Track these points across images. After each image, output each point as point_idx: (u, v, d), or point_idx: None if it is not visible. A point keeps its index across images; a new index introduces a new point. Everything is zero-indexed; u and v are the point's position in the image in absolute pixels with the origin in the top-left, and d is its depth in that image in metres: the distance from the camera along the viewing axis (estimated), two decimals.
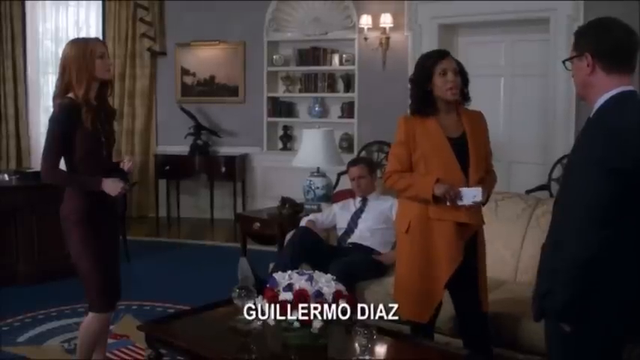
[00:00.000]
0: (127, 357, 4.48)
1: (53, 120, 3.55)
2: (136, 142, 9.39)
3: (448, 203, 3.39)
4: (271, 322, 3.08)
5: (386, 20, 8.05)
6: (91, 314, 3.69)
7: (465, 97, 3.58)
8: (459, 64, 3.56)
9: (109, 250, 3.67)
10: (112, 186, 3.52)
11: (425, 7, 7.85)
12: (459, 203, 3.39)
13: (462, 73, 3.55)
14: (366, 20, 8.16)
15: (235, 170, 8.98)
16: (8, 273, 5.96)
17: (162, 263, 7.09)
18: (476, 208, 3.50)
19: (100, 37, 9.10)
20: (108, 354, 4.42)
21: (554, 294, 2.19)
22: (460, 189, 3.39)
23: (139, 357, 4.39)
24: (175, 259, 7.29)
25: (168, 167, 9.09)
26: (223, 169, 8.99)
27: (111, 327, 4.88)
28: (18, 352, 4.57)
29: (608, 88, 2.29)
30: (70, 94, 3.52)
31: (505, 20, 7.29)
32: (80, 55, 3.51)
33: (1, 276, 5.89)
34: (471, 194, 3.39)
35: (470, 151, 3.47)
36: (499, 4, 7.10)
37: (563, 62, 2.44)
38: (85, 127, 3.49)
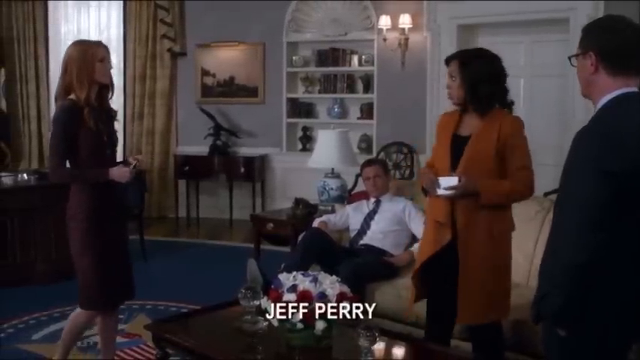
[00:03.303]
0: (138, 356, 4.51)
1: (56, 121, 3.62)
2: (156, 143, 9.45)
3: (430, 193, 3.43)
4: (275, 323, 3.09)
5: (405, 21, 8.03)
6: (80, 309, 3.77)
7: (474, 102, 3.44)
8: (464, 67, 3.44)
9: (114, 249, 3.68)
10: (119, 173, 3.57)
11: (444, 7, 7.81)
12: (438, 193, 3.36)
13: (467, 77, 3.42)
14: (385, 21, 8.15)
15: (254, 171, 9.00)
16: (26, 272, 6.02)
17: (179, 263, 7.12)
18: (461, 214, 3.39)
19: (122, 38, 9.26)
20: (119, 352, 4.46)
21: (550, 297, 2.16)
22: (439, 177, 3.36)
23: (150, 356, 4.40)
24: (192, 259, 7.32)
25: (187, 167, 9.14)
26: (242, 170, 9.02)
27: (124, 326, 4.96)
28: (33, 350, 4.62)
29: (611, 89, 2.25)
30: (72, 96, 3.57)
31: (525, 20, 7.23)
32: (81, 57, 3.55)
33: (20, 275, 5.95)
34: (448, 183, 3.34)
35: (465, 151, 3.42)
36: (518, 4, 7.05)
37: (569, 58, 2.40)
38: (88, 128, 3.53)
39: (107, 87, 3.69)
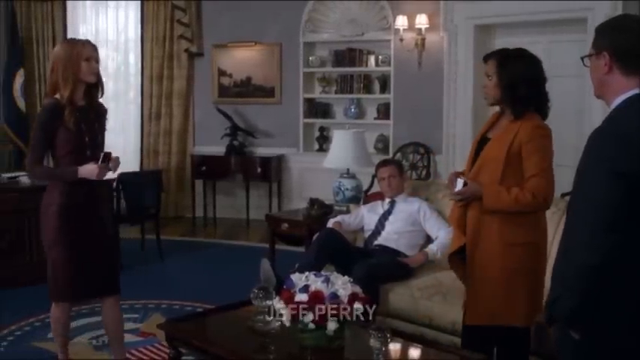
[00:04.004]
0: (153, 355, 4.52)
1: (37, 120, 3.71)
2: (173, 143, 9.49)
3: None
4: (287, 323, 3.09)
5: (421, 21, 8.00)
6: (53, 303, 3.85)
7: (509, 103, 3.35)
8: (501, 67, 3.33)
9: (86, 246, 3.71)
10: (86, 170, 3.59)
11: (461, 7, 7.78)
12: (453, 192, 3.37)
13: (504, 78, 3.32)
14: (401, 21, 8.13)
15: (271, 171, 9.01)
16: (44, 271, 6.02)
17: (196, 263, 7.14)
18: (471, 219, 3.36)
19: (139, 39, 9.30)
20: (134, 351, 4.50)
21: (562, 300, 2.14)
22: (457, 178, 3.35)
23: (165, 356, 4.41)
24: (209, 259, 7.34)
25: (204, 167, 9.17)
26: (259, 170, 9.03)
27: (139, 325, 4.99)
28: (49, 348, 4.64)
29: (625, 89, 2.22)
30: (57, 95, 3.62)
31: (542, 20, 7.19)
32: (67, 56, 3.59)
33: (37, 274, 5.95)
34: (458, 186, 3.32)
35: (480, 153, 3.39)
36: (536, 4, 7.01)
37: (582, 59, 2.38)
38: (67, 128, 3.58)
39: (97, 85, 3.72)
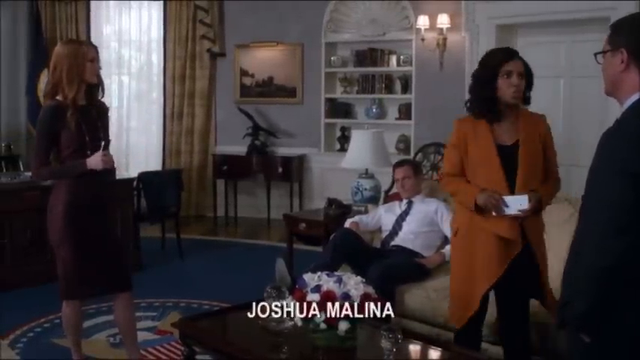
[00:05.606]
0: (168, 353, 4.55)
1: (39, 122, 3.72)
2: (195, 142, 9.54)
3: (494, 213, 3.31)
4: (299, 323, 3.10)
5: (443, 21, 7.95)
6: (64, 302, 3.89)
7: (524, 99, 3.47)
8: (526, 66, 3.41)
9: (94, 242, 3.73)
10: (94, 161, 3.61)
11: (482, 7, 7.73)
12: (505, 212, 3.29)
13: (527, 76, 3.41)
14: (423, 21, 8.08)
15: (292, 171, 9.02)
16: None
17: (216, 262, 7.16)
18: (529, 223, 3.36)
19: (162, 39, 9.37)
20: (150, 349, 4.52)
21: (573, 303, 2.11)
22: (504, 197, 3.30)
23: (179, 354, 4.43)
24: (229, 258, 7.36)
25: (226, 167, 9.20)
26: (280, 170, 9.03)
27: (156, 323, 5.02)
28: (68, 345, 4.66)
29: (638, 89, 2.20)
30: (59, 96, 3.64)
31: (565, 20, 7.12)
32: (72, 56, 3.61)
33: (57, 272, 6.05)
34: (517, 202, 3.29)
35: (520, 161, 3.35)
36: (558, 3, 6.94)
37: (595, 55, 2.36)
38: (69, 129, 3.60)
39: (97, 85, 3.75)
